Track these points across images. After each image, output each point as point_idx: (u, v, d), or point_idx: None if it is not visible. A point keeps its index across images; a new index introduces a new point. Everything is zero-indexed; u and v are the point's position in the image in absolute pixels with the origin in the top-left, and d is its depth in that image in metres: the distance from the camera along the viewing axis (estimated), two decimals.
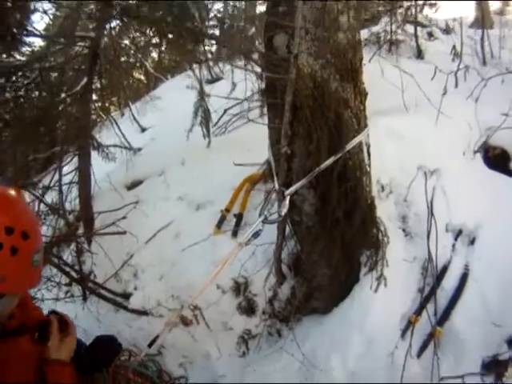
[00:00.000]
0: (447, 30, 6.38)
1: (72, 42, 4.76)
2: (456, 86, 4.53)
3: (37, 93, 4.84)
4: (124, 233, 3.72)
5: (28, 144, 4.77)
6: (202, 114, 2.78)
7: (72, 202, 4.80)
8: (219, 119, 4.08)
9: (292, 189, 2.47)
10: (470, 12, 7.00)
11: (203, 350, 3.21)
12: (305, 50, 2.40)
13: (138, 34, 5.49)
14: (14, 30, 5.23)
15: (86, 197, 4.52)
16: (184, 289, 3.30)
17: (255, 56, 2.76)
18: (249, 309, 3.25)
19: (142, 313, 3.42)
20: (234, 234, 3.54)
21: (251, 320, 3.22)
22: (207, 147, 3.66)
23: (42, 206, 4.38)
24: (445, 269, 2.92)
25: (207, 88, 4.47)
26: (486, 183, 3.41)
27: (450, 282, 2.85)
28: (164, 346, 3.28)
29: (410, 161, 3.40)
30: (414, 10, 6.27)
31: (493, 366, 2.41)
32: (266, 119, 2.91)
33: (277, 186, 2.48)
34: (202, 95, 2.86)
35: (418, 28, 6.15)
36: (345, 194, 2.61)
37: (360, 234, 2.78)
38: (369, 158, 2.82)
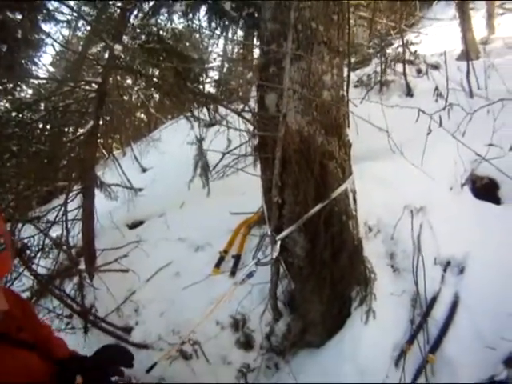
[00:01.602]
0: (435, 66, 6.66)
1: (79, 86, 5.01)
2: (440, 125, 4.71)
3: (41, 130, 5.08)
4: (127, 271, 3.91)
5: (31, 176, 4.90)
6: (202, 167, 3.01)
7: (74, 237, 4.95)
8: (216, 164, 4.29)
9: (282, 234, 2.71)
10: (456, 45, 7.12)
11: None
12: (293, 109, 2.66)
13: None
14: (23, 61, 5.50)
15: (88, 234, 4.70)
16: (184, 324, 3.45)
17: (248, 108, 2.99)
18: (247, 344, 3.41)
19: (143, 346, 3.55)
20: (232, 274, 3.73)
21: (249, 354, 3.36)
22: (207, 196, 3.89)
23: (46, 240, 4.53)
24: (434, 299, 3.10)
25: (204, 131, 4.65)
26: (474, 213, 3.60)
27: (440, 312, 3.02)
28: (164, 379, 3.40)
29: (397, 201, 3.61)
30: (402, 49, 6.55)
31: None
32: (258, 168, 3.14)
33: (269, 232, 2.71)
34: (201, 150, 3.10)
35: (407, 66, 6.43)
36: (331, 237, 2.84)
37: (348, 272, 2.99)
38: (355, 203, 3.05)
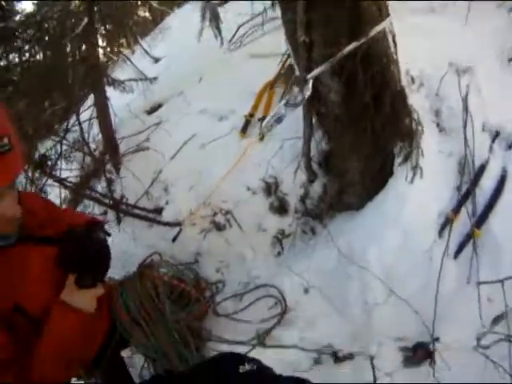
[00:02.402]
0: None
1: None
2: None
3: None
4: (147, 148, 3.76)
5: (42, 99, 4.74)
6: (210, 13, 2.63)
7: (95, 138, 4.81)
8: (235, 33, 3.95)
9: (314, 73, 2.36)
10: None
11: (238, 253, 3.24)
12: None
13: None
14: None
15: (106, 128, 4.53)
16: (214, 195, 3.28)
17: None
18: (281, 208, 3.22)
19: (175, 224, 3.45)
20: (261, 137, 3.42)
21: (284, 219, 3.20)
22: (220, 47, 3.57)
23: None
24: (482, 168, 2.78)
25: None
26: None
27: (487, 183, 2.71)
28: (200, 253, 3.34)
29: (441, 56, 3.16)
30: None
31: None
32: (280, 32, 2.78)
33: (298, 72, 2.40)
34: None
35: None
36: (371, 78, 2.45)
37: (391, 121, 2.64)
38: (395, 47, 2.61)
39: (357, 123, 2.62)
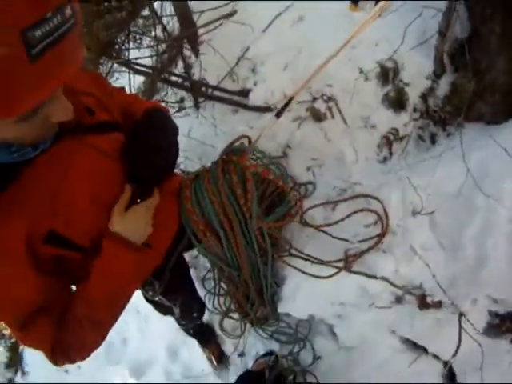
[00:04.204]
0: None
1: None
2: None
3: None
4: (235, 12, 3.16)
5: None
6: None
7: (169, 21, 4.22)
8: None
9: None
10: None
11: (336, 152, 2.71)
12: None
13: None
14: None
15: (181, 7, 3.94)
16: (316, 76, 2.69)
17: None
18: (397, 102, 2.57)
19: (265, 109, 2.95)
20: (380, 12, 2.73)
21: (399, 117, 2.57)
22: None
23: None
24: None
25: None
26: None
27: None
28: (290, 145, 2.86)
29: None
30: None
31: None
32: None
33: None
34: None
35: None
36: None
37: None
38: None
39: None
